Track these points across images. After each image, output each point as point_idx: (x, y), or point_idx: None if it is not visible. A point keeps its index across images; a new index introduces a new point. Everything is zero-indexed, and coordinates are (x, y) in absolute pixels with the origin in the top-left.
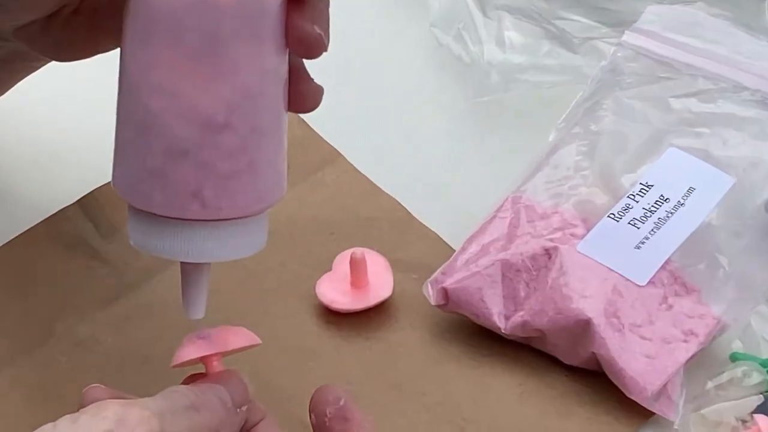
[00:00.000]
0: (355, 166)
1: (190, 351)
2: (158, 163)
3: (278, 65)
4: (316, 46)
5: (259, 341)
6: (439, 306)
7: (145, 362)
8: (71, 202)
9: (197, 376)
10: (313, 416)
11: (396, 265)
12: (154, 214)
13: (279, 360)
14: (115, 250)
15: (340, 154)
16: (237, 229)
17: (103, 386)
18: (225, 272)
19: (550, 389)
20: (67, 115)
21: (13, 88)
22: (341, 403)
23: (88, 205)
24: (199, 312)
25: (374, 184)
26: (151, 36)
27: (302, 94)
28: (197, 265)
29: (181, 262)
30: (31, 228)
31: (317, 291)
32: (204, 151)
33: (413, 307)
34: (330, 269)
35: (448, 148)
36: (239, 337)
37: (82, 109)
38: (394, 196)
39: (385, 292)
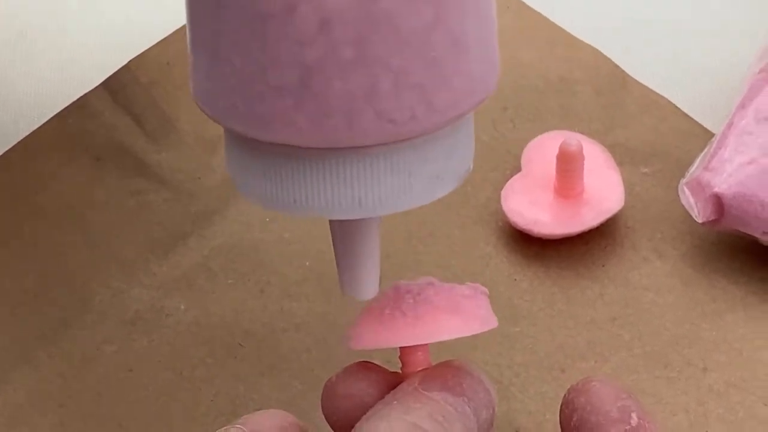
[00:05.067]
0: (532, 7)
1: (400, 332)
2: (293, 73)
3: None
4: None
5: (496, 323)
6: (707, 223)
7: (245, 344)
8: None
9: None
10: None
11: (613, 154)
12: (290, 148)
13: None
14: (171, 159)
15: None
16: (434, 150)
17: (281, 412)
18: None
19: None
20: None
21: None
22: (633, 422)
23: (121, 87)
24: (371, 290)
25: (563, 30)
26: None
27: None
28: (367, 222)
29: (337, 222)
30: (36, 130)
31: (504, 206)
32: (382, 22)
33: (656, 223)
34: (518, 169)
35: None
36: (469, 309)
37: None
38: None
39: (613, 203)
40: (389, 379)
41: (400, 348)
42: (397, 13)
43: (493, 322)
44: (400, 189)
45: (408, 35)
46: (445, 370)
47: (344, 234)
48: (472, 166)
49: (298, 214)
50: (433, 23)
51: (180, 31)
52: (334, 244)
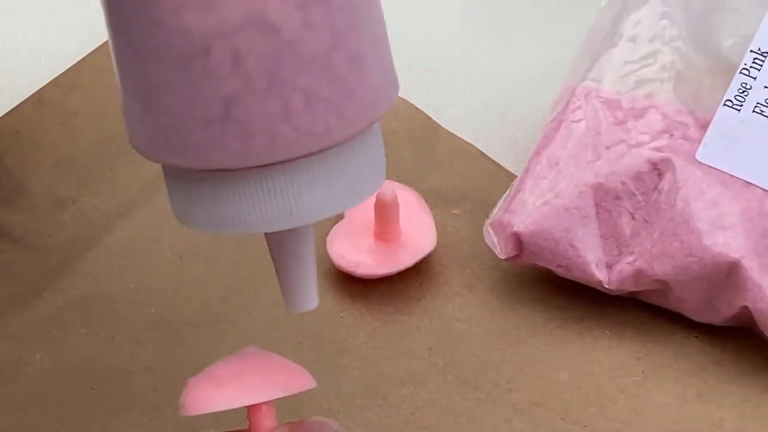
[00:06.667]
0: None
1: (225, 395)
2: (217, 105)
3: None
4: None
5: (314, 383)
6: (509, 258)
7: (97, 388)
8: None
9: None
10: None
11: (427, 199)
12: (223, 172)
13: (293, 360)
14: (25, 220)
15: None
16: (351, 158)
17: None
18: (185, 238)
19: (681, 362)
20: None
21: None
22: None
23: None
24: (312, 300)
25: None
26: None
27: None
28: (301, 230)
29: (271, 235)
30: None
31: (329, 251)
32: (286, 52)
33: (466, 260)
34: (342, 216)
35: (461, 28)
36: (284, 374)
37: None
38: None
39: (427, 243)
40: None
41: (249, 410)
42: (299, 42)
43: (313, 381)
44: (325, 195)
45: (311, 59)
46: (309, 425)
47: (282, 248)
48: (384, 177)
49: (238, 232)
50: (331, 46)
51: (28, 101)
52: (274, 262)
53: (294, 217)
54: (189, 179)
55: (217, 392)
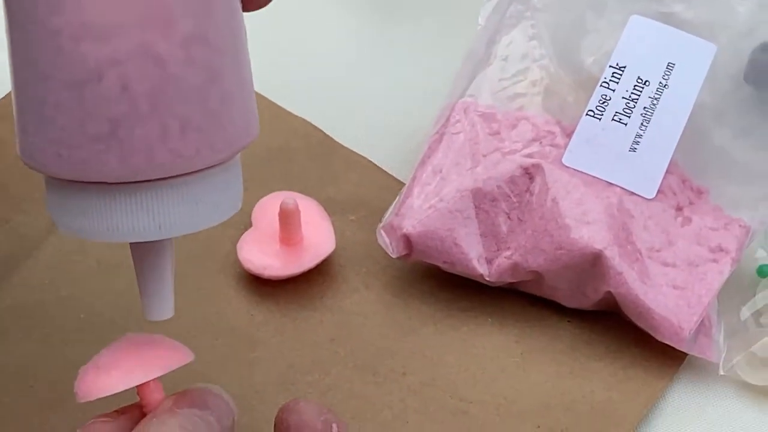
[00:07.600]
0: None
1: (111, 381)
2: (104, 125)
3: None
4: None
5: (192, 356)
6: (400, 257)
7: (35, 385)
8: None
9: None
10: None
11: (326, 207)
12: (102, 185)
13: (210, 355)
14: None
15: None
16: (215, 182)
17: None
18: (109, 250)
19: (555, 343)
20: None
21: None
22: (334, 430)
23: None
24: (168, 310)
25: (280, 107)
26: None
27: None
28: (164, 244)
29: (137, 247)
30: None
31: (240, 256)
32: (169, 83)
33: (362, 260)
34: (250, 225)
35: (353, 53)
36: (164, 352)
37: None
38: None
39: (327, 247)
40: (132, 416)
41: (137, 388)
42: (181, 76)
43: (190, 355)
44: (190, 214)
45: (189, 91)
46: (192, 392)
47: (145, 258)
48: (241, 204)
49: (112, 240)
50: (207, 83)
51: None
52: (137, 272)
53: (162, 230)
54: (70, 190)
55: (104, 378)
